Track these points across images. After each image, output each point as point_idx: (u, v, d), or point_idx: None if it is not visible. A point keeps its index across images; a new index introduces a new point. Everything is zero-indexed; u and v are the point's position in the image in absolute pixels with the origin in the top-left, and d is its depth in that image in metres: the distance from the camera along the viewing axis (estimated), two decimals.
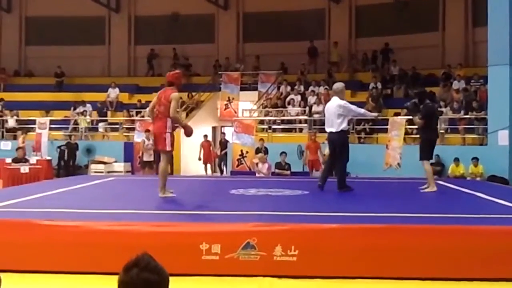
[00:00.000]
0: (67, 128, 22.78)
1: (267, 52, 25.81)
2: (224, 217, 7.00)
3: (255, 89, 23.58)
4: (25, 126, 21.88)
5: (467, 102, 19.26)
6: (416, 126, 17.66)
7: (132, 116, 22.82)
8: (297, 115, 21.48)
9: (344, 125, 9.68)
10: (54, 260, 6.02)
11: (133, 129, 21.37)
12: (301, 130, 20.83)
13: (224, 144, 20.93)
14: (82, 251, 6.00)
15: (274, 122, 21.52)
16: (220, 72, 24.40)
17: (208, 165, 21.20)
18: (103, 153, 20.83)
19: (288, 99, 22.21)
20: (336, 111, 9.61)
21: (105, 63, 28.85)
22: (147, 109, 10.47)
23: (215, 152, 21.23)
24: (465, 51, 23.99)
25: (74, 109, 23.55)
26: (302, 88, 22.99)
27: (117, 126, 23.17)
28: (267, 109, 22.36)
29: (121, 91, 24.97)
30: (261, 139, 18.02)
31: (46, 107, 23.95)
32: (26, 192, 9.09)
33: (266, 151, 16.94)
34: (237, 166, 18.03)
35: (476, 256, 5.81)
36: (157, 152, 8.93)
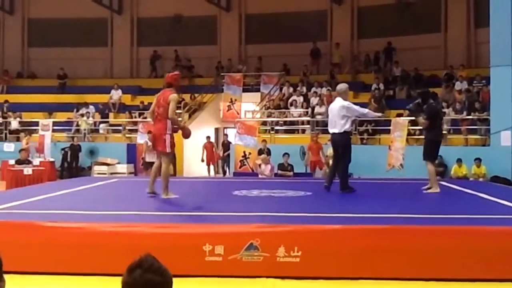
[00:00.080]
0: (70, 130, 22.81)
1: (269, 53, 25.82)
2: (227, 218, 7.01)
3: (258, 90, 23.58)
4: (28, 128, 21.92)
5: (469, 103, 19.25)
6: (419, 127, 17.78)
7: (135, 117, 22.84)
8: (299, 116, 21.48)
9: (347, 126, 9.68)
10: (58, 261, 6.03)
11: (135, 130, 21.39)
12: (303, 131, 20.83)
13: (226, 145, 20.94)
14: (86, 252, 6.01)
15: (277, 123, 21.51)
16: (222, 74, 24.41)
17: (211, 166, 21.23)
18: (106, 155, 20.86)
19: (290, 100, 22.21)
20: (339, 112, 9.61)
21: (107, 64, 28.88)
22: (149, 111, 10.50)
23: (218, 153, 21.24)
24: (467, 52, 23.96)
25: (77, 110, 23.58)
26: (304, 89, 22.99)
27: (120, 127, 23.18)
28: (269, 110, 22.36)
29: (124, 92, 25.00)
30: (264, 140, 18.02)
31: (49, 109, 23.99)
32: (29, 193, 9.11)
33: (268, 152, 16.93)
34: (240, 167, 18.03)
35: (479, 257, 5.81)
36: (158, 154, 8.91)
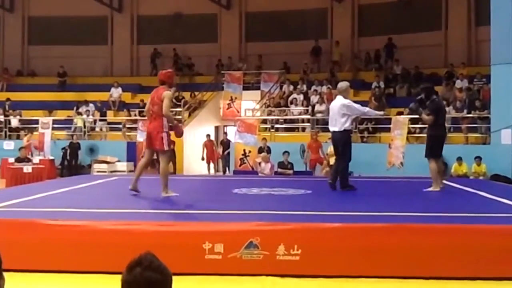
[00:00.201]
0: (70, 128, 22.81)
1: (270, 51, 25.81)
2: (227, 217, 7.01)
3: (258, 88, 23.56)
4: (28, 126, 21.92)
5: (470, 101, 19.24)
6: (419, 126, 17.79)
7: (135, 115, 22.82)
8: (299, 114, 21.48)
9: (347, 125, 9.67)
10: (57, 259, 6.03)
11: (135, 128, 21.39)
12: (303, 129, 20.82)
13: (226, 144, 20.93)
14: (85, 250, 6.01)
15: (277, 121, 21.51)
16: (222, 72, 24.37)
17: (211, 164, 21.21)
18: (106, 153, 20.85)
19: (290, 98, 22.21)
20: (340, 110, 9.60)
21: (107, 62, 28.88)
22: (144, 110, 10.49)
23: (218, 152, 21.23)
24: (468, 50, 23.94)
25: (77, 108, 23.58)
26: (304, 87, 22.99)
27: (119, 125, 23.18)
28: (269, 108, 22.36)
29: (124, 90, 25.00)
30: (264, 139, 18.01)
31: (49, 107, 24.00)
32: (29, 191, 9.10)
33: (268, 151, 16.92)
34: (240, 165, 18.01)
35: (479, 255, 5.81)
36: (148, 152, 8.87)
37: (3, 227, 6.25)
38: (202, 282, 5.73)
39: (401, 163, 15.83)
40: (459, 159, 16.77)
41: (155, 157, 8.93)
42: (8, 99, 24.27)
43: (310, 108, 21.23)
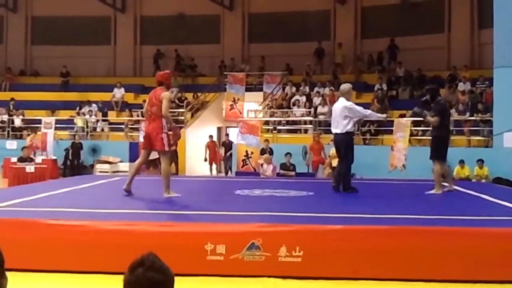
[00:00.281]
0: (72, 128, 22.84)
1: (273, 52, 25.80)
2: (229, 218, 7.01)
3: (260, 89, 23.56)
4: (31, 126, 21.94)
5: (472, 104, 19.22)
6: (421, 128, 17.78)
7: (138, 116, 22.83)
8: (302, 116, 21.48)
9: (349, 127, 9.66)
10: (59, 259, 6.04)
11: (137, 129, 21.40)
12: (306, 131, 20.83)
13: (228, 145, 20.93)
14: (88, 250, 6.02)
15: (279, 123, 21.51)
16: (225, 73, 24.40)
17: (213, 166, 21.21)
18: (108, 153, 20.87)
19: (293, 100, 22.21)
20: (342, 112, 9.60)
21: (110, 63, 28.91)
22: (143, 111, 10.49)
23: (220, 153, 21.23)
24: (470, 53, 23.93)
25: (80, 108, 23.61)
26: (307, 89, 22.99)
27: (122, 126, 23.20)
28: (272, 109, 22.36)
29: (127, 91, 25.02)
30: (266, 140, 18.02)
31: (52, 107, 24.01)
32: (31, 191, 9.11)
33: (271, 152, 16.93)
34: (242, 166, 18.01)
35: (481, 258, 5.80)
36: (144, 153, 8.88)
37: (5, 227, 6.26)
38: (203, 283, 5.74)
39: (403, 166, 15.80)
40: (461, 162, 16.75)
41: (152, 157, 8.92)
42: (12, 99, 24.31)
43: (312, 110, 21.22)
